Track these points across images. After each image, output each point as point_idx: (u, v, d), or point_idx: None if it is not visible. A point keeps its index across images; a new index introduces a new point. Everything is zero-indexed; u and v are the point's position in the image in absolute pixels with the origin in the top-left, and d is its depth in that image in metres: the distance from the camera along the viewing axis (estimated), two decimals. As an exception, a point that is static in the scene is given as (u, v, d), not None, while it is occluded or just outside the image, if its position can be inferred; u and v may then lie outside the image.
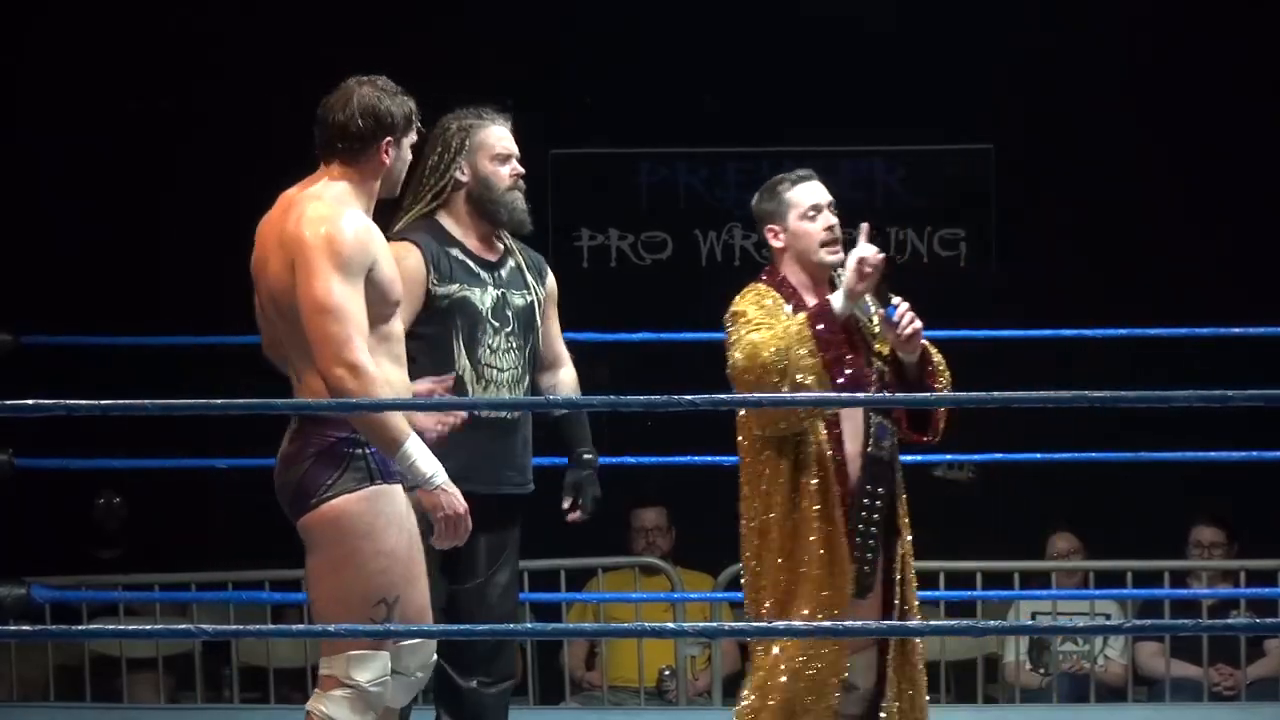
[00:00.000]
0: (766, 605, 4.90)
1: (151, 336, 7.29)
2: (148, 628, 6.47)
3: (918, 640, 5.06)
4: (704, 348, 5.92)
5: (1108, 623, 7.81)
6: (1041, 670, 7.89)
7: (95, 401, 3.85)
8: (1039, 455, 6.84)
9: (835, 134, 9.37)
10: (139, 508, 8.92)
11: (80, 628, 5.96)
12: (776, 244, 5.00)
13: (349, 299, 4.43)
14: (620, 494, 7.79)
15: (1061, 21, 9.29)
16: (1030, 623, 7.89)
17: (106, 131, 9.13)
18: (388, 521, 4.46)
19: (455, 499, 4.50)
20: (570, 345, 5.50)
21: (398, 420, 4.41)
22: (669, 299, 9.05)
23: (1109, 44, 9.28)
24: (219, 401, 4.31)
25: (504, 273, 5.24)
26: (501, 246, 5.28)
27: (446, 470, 4.50)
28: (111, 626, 6.33)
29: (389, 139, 4.56)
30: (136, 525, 8.94)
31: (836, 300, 4.87)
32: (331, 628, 4.37)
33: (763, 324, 4.87)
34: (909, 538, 5.04)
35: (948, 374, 5.05)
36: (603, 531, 8.13)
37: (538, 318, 5.29)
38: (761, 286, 4.99)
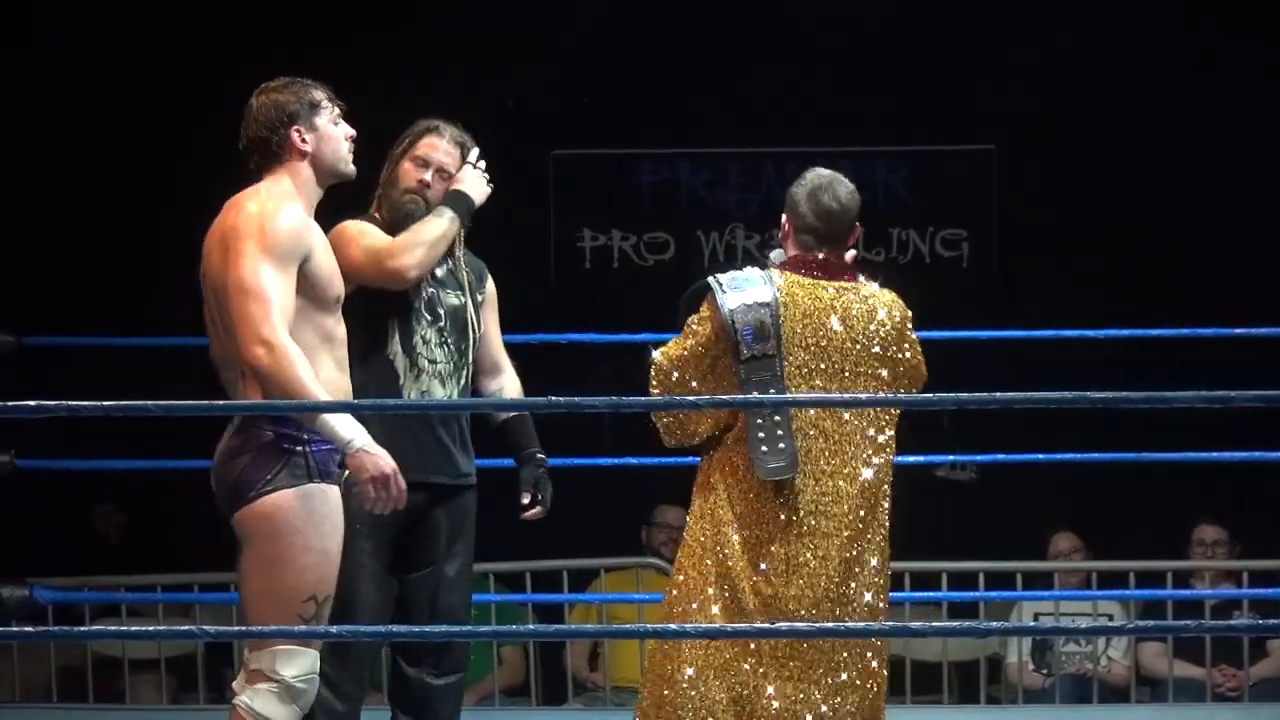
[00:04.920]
0: None
1: (152, 337, 7.28)
2: (150, 629, 6.46)
3: None
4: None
5: (1110, 623, 7.80)
6: (1044, 671, 7.88)
7: (98, 402, 3.84)
8: (1041, 456, 6.83)
9: (837, 134, 9.35)
10: (141, 508, 8.91)
11: (83, 629, 5.95)
12: (850, 250, 5.06)
13: (273, 282, 4.47)
14: (622, 495, 7.81)
15: (1064, 21, 9.28)
16: (1033, 624, 7.88)
17: (106, 131, 9.13)
18: (321, 519, 4.49)
19: (380, 459, 4.52)
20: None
21: (311, 390, 4.41)
22: (671, 300, 9.02)
23: (1110, 44, 9.27)
24: (221, 403, 4.31)
25: (439, 272, 5.18)
26: None
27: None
28: (114, 627, 6.32)
29: (295, 127, 4.65)
30: (138, 526, 8.92)
31: None
32: (334, 629, 4.38)
33: None
34: None
35: None
36: (606, 532, 8.13)
37: (472, 320, 5.23)
38: None
